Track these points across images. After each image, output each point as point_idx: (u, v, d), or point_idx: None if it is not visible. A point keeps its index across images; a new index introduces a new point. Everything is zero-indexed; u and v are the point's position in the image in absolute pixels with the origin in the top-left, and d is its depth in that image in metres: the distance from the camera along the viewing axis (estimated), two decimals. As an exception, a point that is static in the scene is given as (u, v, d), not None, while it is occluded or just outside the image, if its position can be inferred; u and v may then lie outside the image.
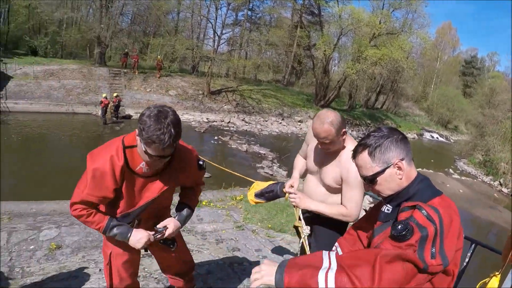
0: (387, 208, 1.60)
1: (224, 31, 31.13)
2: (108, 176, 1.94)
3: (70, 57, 30.69)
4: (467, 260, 3.03)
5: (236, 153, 19.18)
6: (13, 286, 3.19)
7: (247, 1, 32.23)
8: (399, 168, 1.52)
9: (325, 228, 2.77)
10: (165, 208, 2.41)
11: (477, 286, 2.34)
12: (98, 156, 1.97)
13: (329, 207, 2.61)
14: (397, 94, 47.76)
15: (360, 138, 1.62)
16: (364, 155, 1.56)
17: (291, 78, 42.50)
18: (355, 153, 1.61)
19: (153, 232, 2.18)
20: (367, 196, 11.95)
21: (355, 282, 1.30)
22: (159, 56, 28.78)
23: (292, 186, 2.79)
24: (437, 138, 44.60)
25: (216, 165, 11.57)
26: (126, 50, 28.46)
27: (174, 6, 32.92)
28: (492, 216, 19.19)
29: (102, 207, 2.12)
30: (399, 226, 1.35)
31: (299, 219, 2.71)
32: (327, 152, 2.59)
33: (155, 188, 2.11)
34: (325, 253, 1.50)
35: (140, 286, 2.75)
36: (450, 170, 28.19)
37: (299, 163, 3.03)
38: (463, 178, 26.60)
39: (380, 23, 31.00)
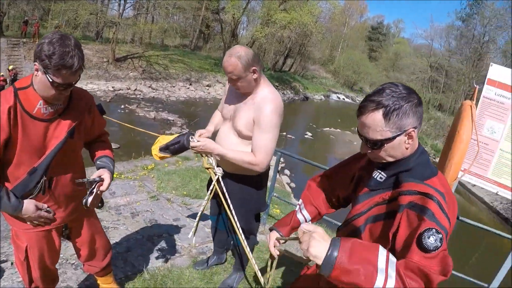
0: (380, 176, 1.48)
1: (130, -6, 29.44)
2: None
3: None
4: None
5: (144, 121, 18.58)
6: None
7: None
8: (410, 137, 1.36)
9: (237, 183, 2.66)
10: (78, 169, 2.10)
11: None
12: None
13: (236, 152, 2.45)
14: (304, 58, 49.21)
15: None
16: (377, 116, 1.33)
17: (199, 42, 41.84)
18: (364, 109, 1.37)
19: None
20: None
21: None
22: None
23: (200, 136, 2.60)
24: (343, 99, 47.20)
25: (127, 125, 11.02)
26: (25, 18, 26.00)
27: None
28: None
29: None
30: (432, 240, 1.17)
31: (208, 160, 2.54)
32: (242, 94, 2.46)
33: (61, 129, 1.86)
34: (382, 251, 1.20)
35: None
36: (356, 129, 30.02)
37: (215, 117, 2.87)
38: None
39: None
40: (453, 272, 3.47)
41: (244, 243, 2.42)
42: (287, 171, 15.79)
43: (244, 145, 2.51)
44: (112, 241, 3.65)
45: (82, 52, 1.70)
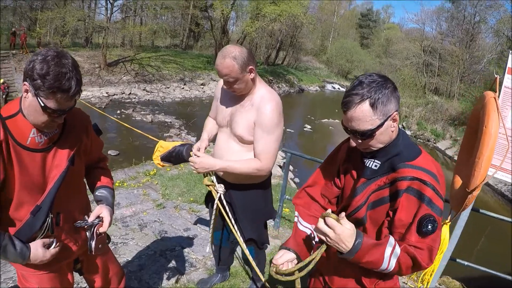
0: (374, 164, 1.53)
1: (116, -2, 29.11)
2: None
3: None
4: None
5: (142, 124, 18.35)
6: None
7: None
8: (395, 120, 1.45)
9: (243, 195, 2.52)
10: (83, 197, 1.91)
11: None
12: None
13: (239, 162, 2.30)
14: (296, 49, 48.86)
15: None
16: (365, 107, 1.40)
17: (189, 41, 41.66)
18: (350, 104, 1.43)
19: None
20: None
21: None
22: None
23: (199, 150, 2.45)
24: (338, 88, 46.84)
25: (125, 124, 10.85)
26: (13, 29, 25.48)
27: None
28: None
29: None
30: (430, 227, 1.38)
31: (210, 177, 2.44)
32: (238, 97, 2.31)
33: (60, 158, 1.64)
34: (390, 243, 1.42)
35: None
36: (342, 123, 29.93)
37: (208, 124, 2.69)
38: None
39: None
40: (476, 266, 3.36)
41: (252, 263, 2.35)
42: (290, 167, 15.62)
43: (247, 152, 2.37)
44: (123, 259, 3.53)
45: (80, 74, 1.49)
